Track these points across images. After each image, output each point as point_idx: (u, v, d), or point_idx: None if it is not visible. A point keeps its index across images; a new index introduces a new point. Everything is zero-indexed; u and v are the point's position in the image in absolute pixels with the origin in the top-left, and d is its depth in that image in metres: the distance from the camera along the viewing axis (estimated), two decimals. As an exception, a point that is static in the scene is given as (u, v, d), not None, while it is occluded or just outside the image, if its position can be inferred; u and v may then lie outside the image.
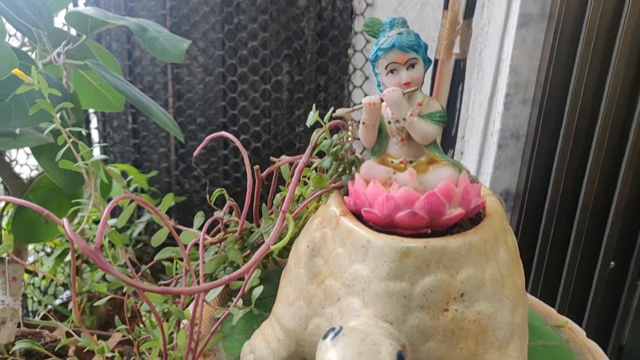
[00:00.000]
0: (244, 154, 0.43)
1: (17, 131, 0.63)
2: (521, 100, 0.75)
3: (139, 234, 1.17)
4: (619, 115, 0.67)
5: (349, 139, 0.39)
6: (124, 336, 0.66)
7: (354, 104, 1.23)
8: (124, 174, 1.16)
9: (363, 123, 0.37)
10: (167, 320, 0.44)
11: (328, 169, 0.41)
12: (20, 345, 0.52)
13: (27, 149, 0.72)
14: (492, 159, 0.78)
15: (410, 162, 0.37)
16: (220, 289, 0.42)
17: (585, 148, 0.69)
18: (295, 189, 0.38)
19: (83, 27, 0.65)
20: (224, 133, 0.45)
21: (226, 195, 0.49)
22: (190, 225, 0.50)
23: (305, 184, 0.50)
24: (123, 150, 1.27)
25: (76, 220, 0.98)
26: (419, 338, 0.32)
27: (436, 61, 0.83)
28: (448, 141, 0.86)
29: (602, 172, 0.68)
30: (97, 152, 1.34)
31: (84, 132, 1.26)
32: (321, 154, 0.43)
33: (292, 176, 0.45)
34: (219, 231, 0.49)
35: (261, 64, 1.18)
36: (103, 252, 0.50)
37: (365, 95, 1.04)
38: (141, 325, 0.50)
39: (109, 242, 0.47)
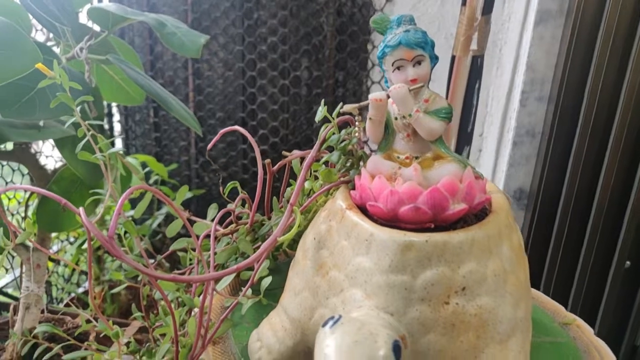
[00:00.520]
0: (255, 147, 0.44)
1: (41, 123, 0.66)
2: (537, 97, 0.74)
3: (159, 225, 1.19)
4: (637, 113, 0.67)
5: (356, 134, 0.40)
6: (142, 324, 0.68)
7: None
8: (145, 166, 1.18)
9: (370, 119, 0.37)
10: (183, 307, 0.46)
11: (336, 163, 0.41)
12: (40, 329, 0.54)
13: (52, 141, 0.74)
14: (507, 157, 0.77)
15: (416, 157, 0.38)
16: (230, 278, 0.43)
17: (602, 146, 0.69)
18: (303, 183, 0.39)
19: (105, 22, 0.67)
20: (237, 127, 0.47)
21: (239, 188, 0.50)
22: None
23: (317, 178, 0.51)
24: (144, 144, 1.29)
25: (98, 211, 1.00)
26: (420, 330, 0.33)
27: (453, 57, 0.83)
28: (464, 138, 0.86)
29: (618, 171, 0.67)
30: (119, 144, 1.36)
31: (105, 125, 1.28)
32: (332, 149, 0.43)
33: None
34: (231, 223, 0.50)
35: (280, 59, 1.19)
36: (121, 241, 0.52)
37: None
38: (156, 313, 0.51)
39: (125, 232, 0.49)
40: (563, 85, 0.71)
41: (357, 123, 0.39)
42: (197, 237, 0.44)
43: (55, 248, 1.13)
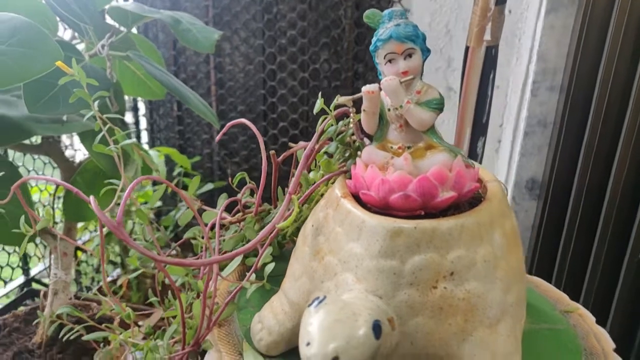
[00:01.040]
0: (259, 137, 0.46)
1: (65, 118, 0.69)
2: (549, 87, 0.74)
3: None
4: (650, 103, 0.66)
5: (351, 125, 0.42)
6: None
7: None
8: (169, 158, 1.22)
9: (364, 110, 0.39)
10: (192, 291, 0.48)
11: (333, 153, 0.43)
12: (61, 310, 0.57)
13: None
14: (519, 147, 0.77)
15: (409, 147, 0.39)
16: (235, 264, 0.46)
17: (614, 137, 0.68)
18: (301, 173, 0.40)
19: (124, 20, 0.70)
20: (243, 120, 0.48)
21: (247, 178, 0.52)
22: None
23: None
24: (168, 137, 1.33)
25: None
26: (408, 312, 0.34)
27: (467, 48, 0.83)
28: (479, 129, 0.86)
29: (631, 162, 0.66)
30: (145, 137, 1.40)
31: (131, 118, 1.32)
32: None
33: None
34: (239, 212, 0.53)
35: (300, 52, 1.21)
36: (135, 231, 0.55)
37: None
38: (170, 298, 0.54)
39: (140, 222, 0.51)
40: (574, 75, 0.71)
41: (351, 115, 0.40)
42: (206, 225, 0.47)
43: (86, 237, 1.18)
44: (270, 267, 0.45)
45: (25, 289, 1.05)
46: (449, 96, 1.10)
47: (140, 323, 0.55)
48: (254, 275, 0.45)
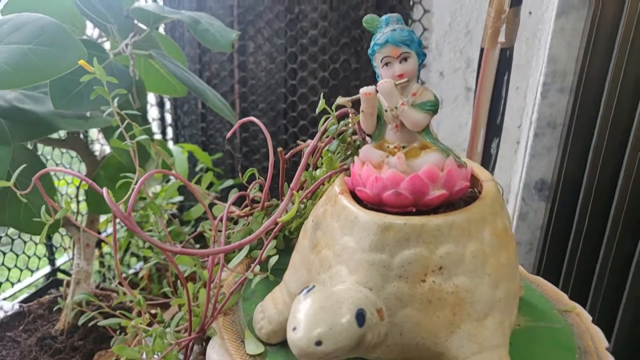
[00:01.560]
0: (267, 135, 0.48)
1: (88, 114, 0.72)
2: (558, 89, 0.74)
3: (203, 212, 1.26)
4: (660, 106, 0.66)
5: (350, 124, 0.43)
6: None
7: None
8: (191, 155, 1.25)
9: (362, 111, 0.40)
10: (199, 281, 0.51)
11: (334, 152, 0.45)
12: (79, 297, 0.61)
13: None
14: (529, 148, 0.78)
15: (404, 147, 0.40)
16: (241, 256, 0.48)
17: (623, 139, 0.68)
18: (302, 170, 0.42)
19: (147, 20, 0.73)
20: (252, 118, 0.50)
21: (256, 173, 0.55)
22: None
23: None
24: (192, 133, 1.36)
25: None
26: (397, 304, 0.36)
27: (482, 50, 0.84)
28: (492, 130, 0.86)
29: (639, 164, 0.66)
30: (170, 133, 1.44)
31: (157, 115, 1.35)
32: (338, 139, 0.47)
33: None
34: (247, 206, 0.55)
35: (320, 52, 1.23)
36: (151, 224, 0.58)
37: (423, 84, 1.06)
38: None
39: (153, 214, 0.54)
40: (583, 77, 0.71)
41: (350, 115, 0.42)
42: (215, 218, 0.49)
43: (110, 230, 1.22)
44: (274, 259, 0.47)
45: (50, 279, 1.10)
46: (467, 97, 1.11)
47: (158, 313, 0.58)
48: (258, 267, 0.47)
